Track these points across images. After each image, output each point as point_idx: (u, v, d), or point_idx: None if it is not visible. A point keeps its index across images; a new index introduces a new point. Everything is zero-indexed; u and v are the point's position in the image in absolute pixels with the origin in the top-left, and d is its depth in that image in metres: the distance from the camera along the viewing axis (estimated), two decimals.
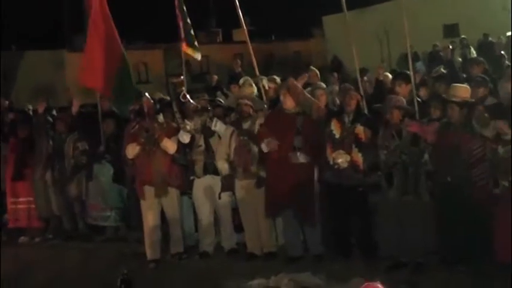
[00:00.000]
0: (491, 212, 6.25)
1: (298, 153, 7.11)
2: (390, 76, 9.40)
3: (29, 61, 28.05)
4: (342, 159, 6.92)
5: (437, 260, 6.71)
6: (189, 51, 8.49)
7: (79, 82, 8.50)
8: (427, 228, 6.62)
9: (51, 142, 9.38)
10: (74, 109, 9.49)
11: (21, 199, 9.55)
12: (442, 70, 10.37)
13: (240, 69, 12.56)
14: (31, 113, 11.60)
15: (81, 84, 8.56)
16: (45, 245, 9.33)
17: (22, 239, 9.55)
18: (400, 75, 7.75)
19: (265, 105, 7.96)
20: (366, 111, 7.38)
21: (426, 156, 6.60)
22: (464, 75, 9.19)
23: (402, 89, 7.43)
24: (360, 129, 6.98)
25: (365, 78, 9.02)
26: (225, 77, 13.52)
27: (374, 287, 4.76)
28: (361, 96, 7.33)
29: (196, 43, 8.57)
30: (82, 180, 9.13)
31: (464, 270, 6.38)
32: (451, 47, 15.56)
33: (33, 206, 9.50)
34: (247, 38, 8.52)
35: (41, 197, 9.42)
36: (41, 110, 10.06)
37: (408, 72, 7.64)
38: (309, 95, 7.39)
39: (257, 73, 8.50)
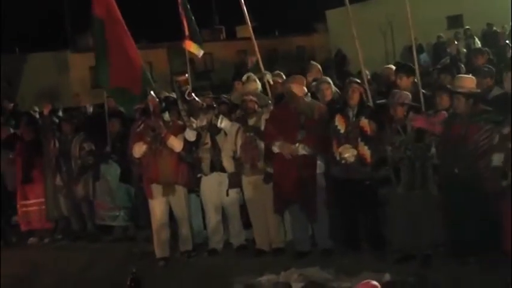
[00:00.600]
0: (499, 204, 6.21)
1: (297, 144, 7.10)
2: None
3: (33, 63, 28.12)
4: (348, 154, 6.91)
5: (446, 252, 6.69)
6: (192, 48, 8.47)
7: (111, 84, 8.24)
8: (435, 221, 6.61)
9: (57, 144, 9.39)
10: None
11: (31, 201, 9.57)
12: (449, 61, 10.33)
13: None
14: (37, 115, 11.64)
15: (112, 86, 8.31)
16: (54, 246, 9.36)
17: (31, 240, 9.58)
18: (402, 68, 7.72)
19: (270, 101, 7.95)
20: (371, 103, 7.35)
21: (433, 150, 6.58)
22: (464, 68, 9.11)
23: (403, 82, 7.40)
24: (364, 122, 6.96)
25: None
26: (231, 74, 13.46)
27: (371, 285, 4.76)
28: (364, 89, 7.31)
29: (201, 40, 8.57)
30: (89, 181, 9.16)
31: (473, 262, 6.37)
32: (456, 42, 15.39)
33: (44, 207, 9.52)
34: (252, 34, 8.49)
35: (51, 199, 9.44)
36: (46, 111, 10.07)
37: (410, 65, 7.62)
38: (309, 100, 7.32)
39: (262, 69, 8.48)
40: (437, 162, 6.57)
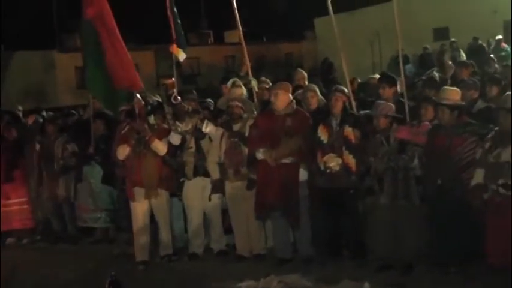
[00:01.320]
0: (482, 215, 6.24)
1: None
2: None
3: (19, 62, 27.94)
4: (333, 163, 6.91)
5: (428, 261, 6.71)
6: (177, 52, 8.46)
7: (117, 86, 8.13)
8: (418, 231, 6.63)
9: (38, 146, 9.30)
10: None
11: (12, 201, 9.48)
12: (435, 73, 10.37)
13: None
14: (21, 114, 11.55)
15: (120, 88, 8.19)
16: (33, 246, 9.28)
17: (9, 240, 9.49)
18: (384, 78, 7.75)
19: (253, 108, 7.94)
20: (355, 112, 7.36)
21: (416, 161, 6.60)
22: (449, 80, 9.18)
23: (386, 92, 7.44)
24: (348, 130, 6.97)
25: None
26: (218, 78, 13.39)
27: None
28: (348, 97, 7.32)
29: (185, 44, 8.56)
30: (71, 182, 9.10)
31: (455, 272, 6.39)
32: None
33: (25, 206, 9.45)
34: (242, 40, 8.47)
35: (35, 199, 9.37)
36: (30, 121, 9.99)
37: (392, 76, 7.67)
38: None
39: (250, 75, 8.47)
40: (420, 173, 6.60)
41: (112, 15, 8.05)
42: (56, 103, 23.96)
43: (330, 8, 7.88)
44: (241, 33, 8.48)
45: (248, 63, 8.49)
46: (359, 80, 9.69)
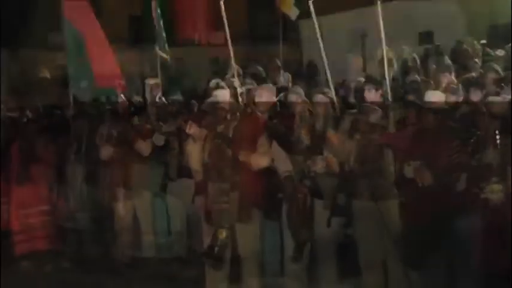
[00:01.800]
0: (467, 219, 6.27)
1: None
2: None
3: (4, 59, 27.72)
4: (318, 166, 6.92)
5: (411, 264, 6.72)
6: (161, 52, 8.49)
7: (101, 86, 8.14)
8: (401, 234, 6.65)
9: (20, 145, 9.25)
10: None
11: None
12: (417, 76, 10.41)
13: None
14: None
15: (104, 88, 8.22)
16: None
17: None
18: (370, 82, 7.77)
19: (238, 110, 7.93)
20: (338, 114, 7.38)
21: (398, 164, 6.63)
22: (433, 83, 9.23)
23: (371, 95, 7.45)
24: (330, 133, 6.98)
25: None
26: (203, 80, 13.34)
27: None
28: (331, 99, 7.33)
29: (166, 46, 8.58)
30: (53, 182, 9.05)
31: (440, 275, 6.42)
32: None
33: (5, 206, 9.37)
34: (229, 41, 8.46)
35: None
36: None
37: (378, 79, 7.69)
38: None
39: (235, 77, 8.47)
40: (402, 176, 6.62)
41: (95, 16, 8.08)
42: (39, 101, 23.78)
43: (312, 9, 7.91)
44: (228, 33, 8.48)
45: (234, 65, 8.49)
46: (345, 83, 9.71)
